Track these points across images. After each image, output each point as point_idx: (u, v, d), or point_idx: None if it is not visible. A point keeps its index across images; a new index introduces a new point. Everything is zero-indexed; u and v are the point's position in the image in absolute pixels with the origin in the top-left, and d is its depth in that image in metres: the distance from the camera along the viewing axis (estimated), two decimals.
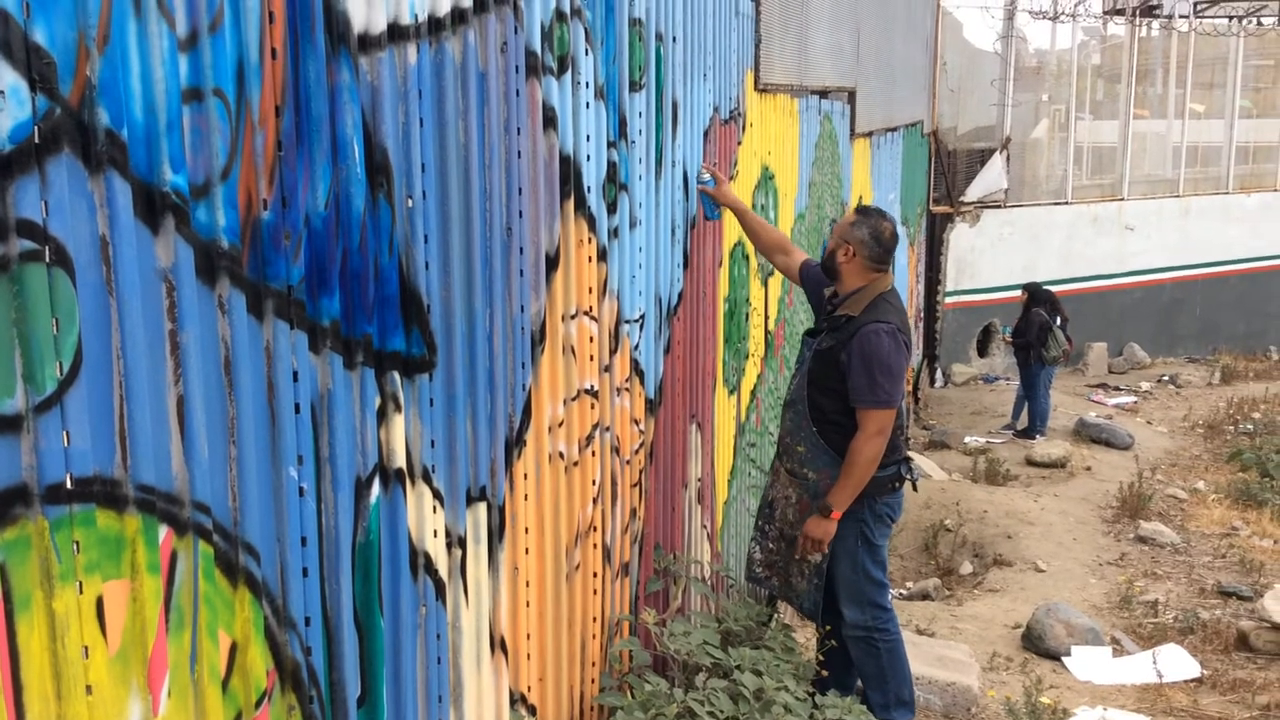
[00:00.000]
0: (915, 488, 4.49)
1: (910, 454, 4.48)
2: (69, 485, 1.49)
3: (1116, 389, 15.27)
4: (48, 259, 1.44)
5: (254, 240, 1.84)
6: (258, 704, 1.91)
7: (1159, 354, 17.29)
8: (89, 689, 1.53)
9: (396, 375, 2.32)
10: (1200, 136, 19.17)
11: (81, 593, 1.52)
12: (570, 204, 3.20)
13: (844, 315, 4.18)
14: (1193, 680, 5.92)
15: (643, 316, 3.93)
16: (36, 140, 1.42)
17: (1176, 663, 6.06)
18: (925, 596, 7.68)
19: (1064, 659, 6.12)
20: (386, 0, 2.18)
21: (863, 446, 4.07)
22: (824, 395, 4.20)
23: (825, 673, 4.30)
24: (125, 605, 1.59)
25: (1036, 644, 6.27)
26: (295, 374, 1.97)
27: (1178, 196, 17.79)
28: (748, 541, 4.79)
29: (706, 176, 4.52)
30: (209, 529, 1.76)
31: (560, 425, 3.23)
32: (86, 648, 1.53)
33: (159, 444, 1.64)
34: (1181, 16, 18.09)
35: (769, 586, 4.54)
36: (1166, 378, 15.99)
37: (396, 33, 2.22)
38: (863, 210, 4.33)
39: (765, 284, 6.07)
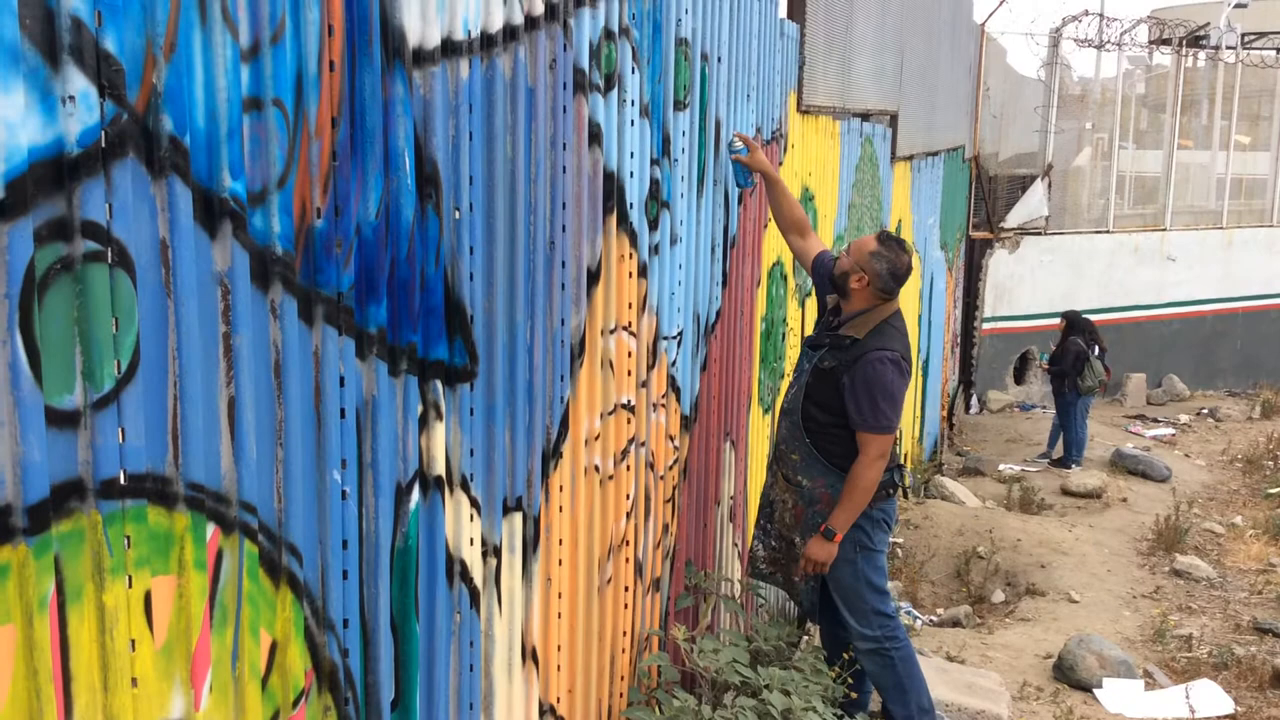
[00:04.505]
0: (906, 495, 4.51)
1: (902, 463, 4.51)
2: (122, 481, 1.52)
3: (1154, 420, 15.11)
4: (110, 260, 1.48)
5: (307, 247, 1.88)
6: (295, 703, 1.94)
7: (1198, 386, 17.10)
8: (134, 681, 1.56)
9: (439, 384, 2.35)
10: (1245, 169, 19.01)
11: (131, 587, 1.55)
12: (613, 219, 3.22)
13: (848, 336, 4.17)
14: (1225, 716, 5.86)
15: (681, 333, 3.95)
16: (103, 145, 1.46)
17: (1209, 698, 6.00)
18: (956, 624, 7.62)
19: (1095, 690, 6.07)
20: (441, 16, 2.22)
21: (864, 471, 4.10)
22: (819, 409, 4.24)
23: (854, 695, 4.29)
24: (172, 601, 1.63)
25: (1068, 674, 6.22)
26: (342, 379, 2.00)
27: (1221, 228, 17.62)
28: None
29: (739, 145, 4.48)
30: (254, 529, 1.79)
31: (596, 439, 3.25)
32: (134, 641, 1.56)
33: (210, 444, 1.67)
34: (1229, 48, 17.94)
35: (773, 582, 4.61)
36: (1205, 410, 15.80)
37: (450, 48, 2.26)
38: (884, 240, 4.21)
39: (803, 305, 6.08)
